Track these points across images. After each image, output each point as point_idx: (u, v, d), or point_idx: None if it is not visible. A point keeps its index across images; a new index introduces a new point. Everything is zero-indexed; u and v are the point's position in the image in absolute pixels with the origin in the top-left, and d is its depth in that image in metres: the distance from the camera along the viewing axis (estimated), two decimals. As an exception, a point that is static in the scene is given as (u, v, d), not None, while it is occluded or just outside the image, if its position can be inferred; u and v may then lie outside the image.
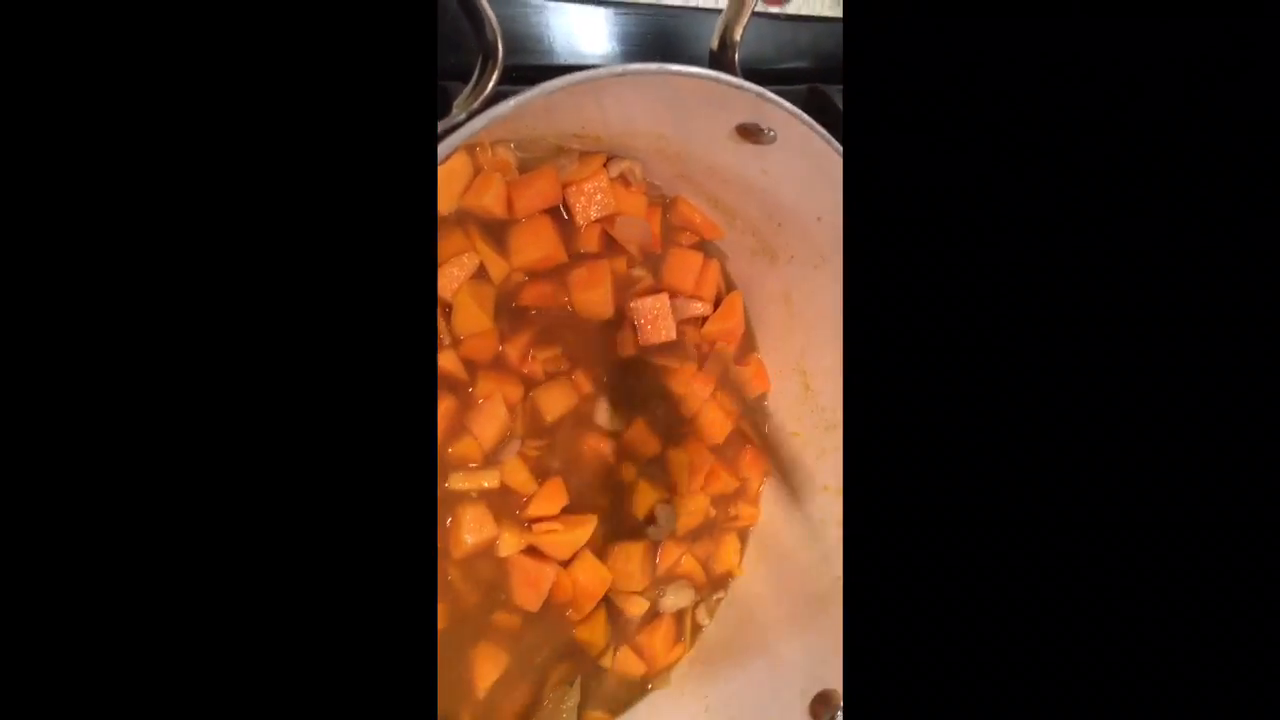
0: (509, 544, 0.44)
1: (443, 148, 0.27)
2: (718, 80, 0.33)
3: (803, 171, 0.41)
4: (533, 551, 0.45)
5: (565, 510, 0.46)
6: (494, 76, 0.28)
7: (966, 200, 0.23)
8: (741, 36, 0.35)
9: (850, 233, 0.24)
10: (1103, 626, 0.23)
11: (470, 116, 0.27)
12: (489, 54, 0.28)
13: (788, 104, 0.35)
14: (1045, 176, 0.23)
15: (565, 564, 0.46)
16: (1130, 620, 0.23)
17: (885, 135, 0.23)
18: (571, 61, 0.50)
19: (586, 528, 0.46)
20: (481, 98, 0.28)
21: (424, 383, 0.22)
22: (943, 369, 0.24)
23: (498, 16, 0.32)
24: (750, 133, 0.38)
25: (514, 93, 0.28)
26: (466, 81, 0.35)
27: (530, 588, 0.45)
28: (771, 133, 0.38)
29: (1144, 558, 0.23)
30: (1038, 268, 0.23)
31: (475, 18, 0.28)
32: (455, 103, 0.28)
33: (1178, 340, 0.23)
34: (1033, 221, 0.23)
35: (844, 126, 0.23)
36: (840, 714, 0.43)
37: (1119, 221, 0.23)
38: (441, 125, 0.28)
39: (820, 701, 0.44)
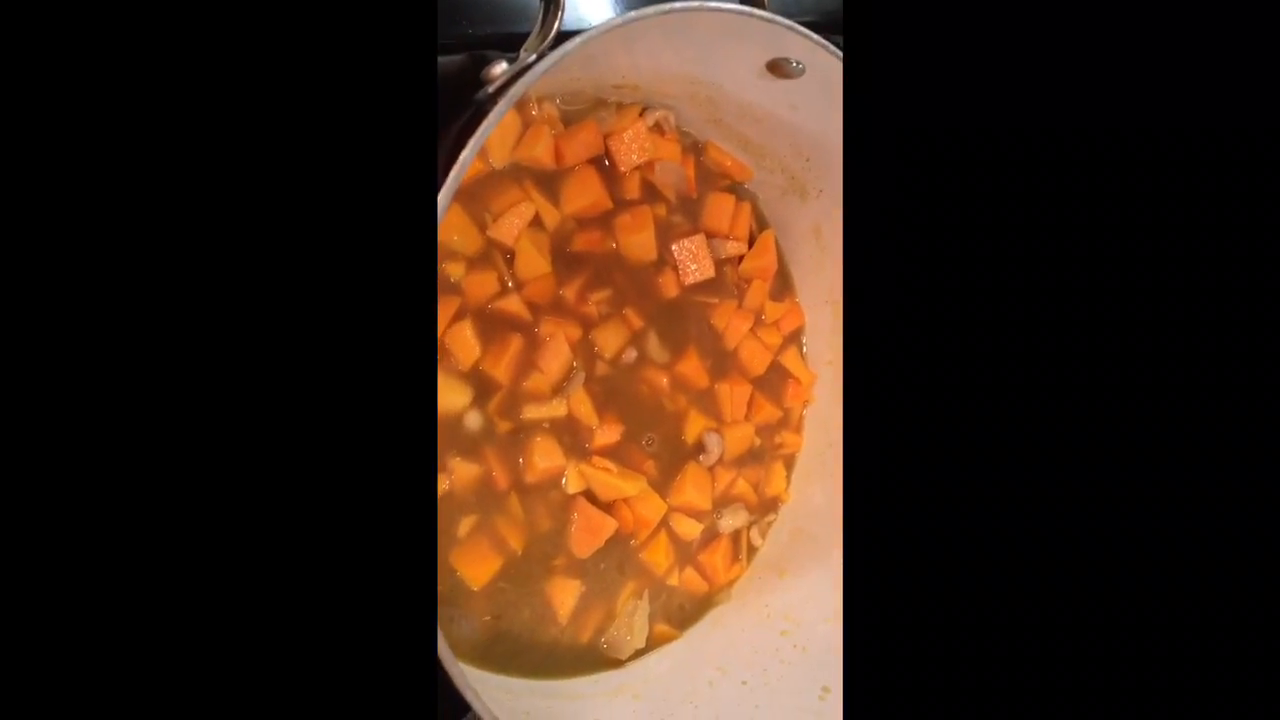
0: (574, 481, 0.48)
1: (520, 85, 0.30)
2: (751, 15, 0.36)
3: (830, 103, 0.44)
4: (593, 496, 0.49)
5: (623, 438, 0.50)
6: (557, 20, 0.31)
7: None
8: (769, -23, 0.38)
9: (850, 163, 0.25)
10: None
11: (540, 57, 0.31)
12: (551, 1, 0.31)
13: (816, 36, 0.39)
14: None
15: (624, 500, 0.50)
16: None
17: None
18: (579, 27, 0.53)
19: (636, 482, 0.49)
20: (548, 40, 0.31)
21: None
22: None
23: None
24: (780, 67, 0.41)
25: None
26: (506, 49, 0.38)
27: (589, 534, 0.48)
28: (800, 66, 0.41)
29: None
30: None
31: (538, -32, 0.31)
32: (524, 47, 0.32)
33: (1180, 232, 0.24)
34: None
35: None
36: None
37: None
38: (514, 67, 0.31)
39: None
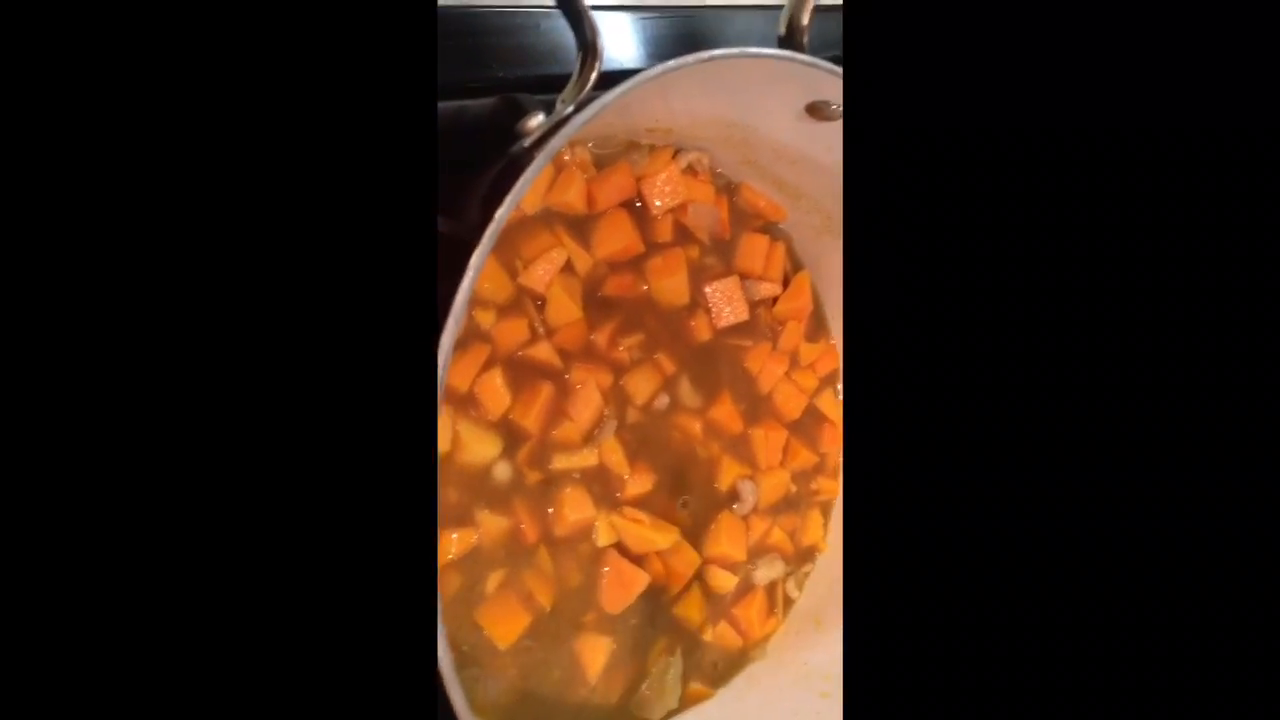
0: (605, 533, 0.46)
1: (559, 138, 0.29)
2: (793, 60, 0.35)
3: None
4: (625, 549, 0.47)
5: (655, 487, 0.48)
6: (595, 70, 0.30)
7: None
8: (809, 21, 0.37)
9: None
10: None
11: (579, 108, 0.30)
12: (589, 51, 0.31)
13: (857, 79, 0.37)
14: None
15: (656, 552, 0.48)
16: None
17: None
18: (608, 69, 0.52)
19: (669, 534, 0.48)
20: (586, 89, 0.30)
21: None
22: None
23: (530, 31, 0.33)
24: (819, 110, 0.40)
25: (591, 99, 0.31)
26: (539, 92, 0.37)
27: (621, 588, 0.46)
28: (838, 108, 0.40)
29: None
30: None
31: (575, 17, 0.30)
32: (560, 97, 0.31)
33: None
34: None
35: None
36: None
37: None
38: (552, 119, 0.30)
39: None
